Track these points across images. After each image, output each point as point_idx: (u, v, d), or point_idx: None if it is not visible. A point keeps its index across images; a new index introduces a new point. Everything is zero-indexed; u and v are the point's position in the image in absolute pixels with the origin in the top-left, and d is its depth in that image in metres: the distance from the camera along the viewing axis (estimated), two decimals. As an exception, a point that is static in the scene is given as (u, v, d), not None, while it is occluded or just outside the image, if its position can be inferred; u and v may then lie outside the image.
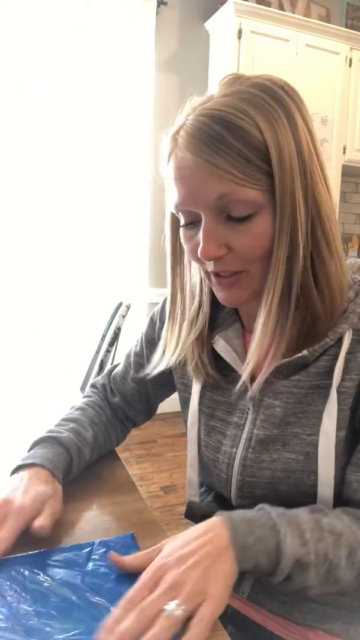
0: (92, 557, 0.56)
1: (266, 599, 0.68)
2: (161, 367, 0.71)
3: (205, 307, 0.69)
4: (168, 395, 0.87)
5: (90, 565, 0.54)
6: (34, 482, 0.61)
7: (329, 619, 0.66)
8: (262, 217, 0.55)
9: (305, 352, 0.59)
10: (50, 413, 0.85)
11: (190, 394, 0.74)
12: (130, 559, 0.52)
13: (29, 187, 2.67)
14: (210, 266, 0.59)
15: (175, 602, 0.43)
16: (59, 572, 0.53)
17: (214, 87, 0.58)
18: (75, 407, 0.84)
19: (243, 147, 0.52)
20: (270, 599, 0.68)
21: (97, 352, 1.98)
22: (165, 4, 2.88)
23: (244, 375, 0.61)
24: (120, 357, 0.91)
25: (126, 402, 0.86)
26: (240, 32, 2.76)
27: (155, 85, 2.87)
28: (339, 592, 0.55)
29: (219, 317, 0.70)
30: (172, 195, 0.58)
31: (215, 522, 0.51)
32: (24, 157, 2.63)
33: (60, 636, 0.45)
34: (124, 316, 1.83)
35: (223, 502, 0.73)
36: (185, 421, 0.75)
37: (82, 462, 0.74)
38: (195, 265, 0.67)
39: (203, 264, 0.60)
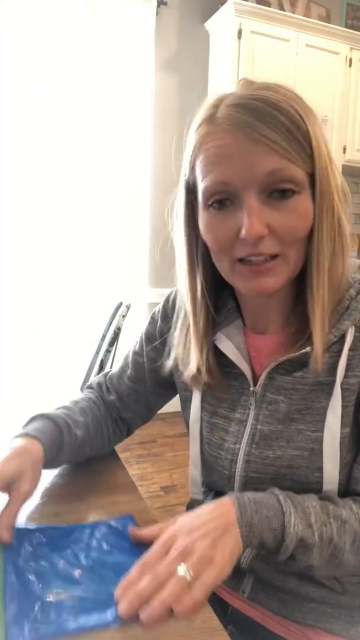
0: (95, 535, 0.60)
1: (266, 598, 0.68)
2: (192, 368, 0.69)
3: (207, 303, 0.68)
4: (168, 397, 0.85)
5: (93, 542, 0.59)
6: (12, 459, 0.62)
7: (329, 618, 0.66)
8: (304, 197, 0.56)
9: (308, 348, 0.59)
10: (27, 417, 0.84)
11: (191, 392, 0.74)
12: (146, 531, 0.57)
13: (29, 187, 2.67)
14: (247, 248, 0.56)
15: (185, 566, 0.47)
16: (64, 546, 0.57)
17: (231, 89, 0.59)
18: (70, 400, 0.83)
19: (292, 127, 0.54)
20: (271, 598, 0.68)
21: (97, 352, 1.99)
22: (165, 4, 2.88)
23: (316, 344, 0.59)
24: (120, 357, 0.90)
25: (121, 401, 0.84)
26: (240, 32, 2.76)
27: (155, 85, 2.87)
28: (348, 573, 0.61)
29: (220, 314, 0.70)
30: (206, 178, 0.56)
31: (225, 501, 0.54)
32: (24, 157, 2.63)
33: (69, 601, 0.49)
34: (124, 316, 1.83)
35: None
36: (186, 420, 0.75)
37: (74, 440, 0.73)
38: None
39: (231, 251, 0.58)
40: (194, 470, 0.73)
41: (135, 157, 2.85)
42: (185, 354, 0.69)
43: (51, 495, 0.71)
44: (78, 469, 0.79)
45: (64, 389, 1.29)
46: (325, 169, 0.57)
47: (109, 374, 0.87)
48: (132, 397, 0.83)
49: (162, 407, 0.87)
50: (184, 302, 0.69)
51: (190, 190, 0.62)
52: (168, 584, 0.46)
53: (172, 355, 0.72)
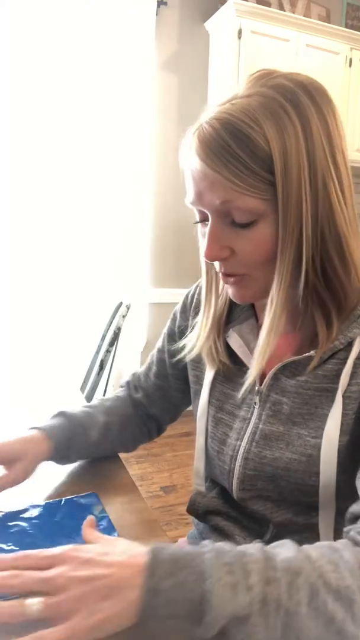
0: (61, 510, 0.66)
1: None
2: (194, 352, 0.72)
3: (225, 296, 0.71)
4: (189, 391, 0.87)
5: (58, 516, 0.64)
6: (18, 439, 0.70)
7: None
8: (264, 224, 0.56)
9: (312, 352, 0.59)
10: (51, 413, 0.85)
11: (201, 385, 0.75)
12: (85, 531, 0.52)
13: (30, 187, 2.67)
14: (216, 265, 0.62)
15: (39, 600, 0.40)
16: (33, 521, 0.63)
17: (242, 82, 0.59)
18: (100, 398, 0.89)
19: (247, 158, 0.53)
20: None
21: (97, 352, 1.98)
22: (165, 4, 2.88)
23: (252, 372, 0.62)
24: (120, 357, 0.93)
25: (148, 398, 0.88)
26: (240, 32, 2.76)
27: (155, 85, 2.87)
28: None
29: (236, 310, 0.72)
30: (187, 195, 0.61)
31: (139, 552, 0.43)
32: (25, 157, 2.63)
33: None
34: (124, 316, 1.83)
35: (227, 498, 0.73)
36: (195, 413, 0.76)
37: (86, 440, 0.78)
38: None
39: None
40: (198, 463, 0.75)
41: (136, 156, 2.85)
42: (204, 331, 0.72)
43: (52, 495, 0.71)
44: (78, 469, 0.79)
45: (64, 388, 1.29)
46: (297, 194, 0.54)
47: (137, 373, 0.92)
48: (158, 393, 0.87)
49: (188, 404, 0.88)
50: (202, 296, 0.72)
51: None
52: (16, 600, 0.41)
53: (194, 334, 0.73)
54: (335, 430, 0.58)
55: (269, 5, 3.01)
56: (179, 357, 0.75)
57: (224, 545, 0.44)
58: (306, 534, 0.62)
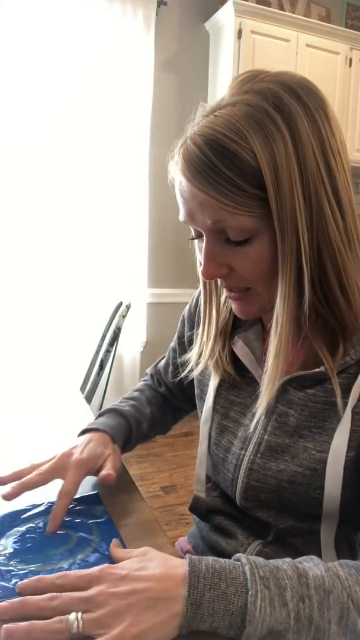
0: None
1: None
2: (200, 367, 0.72)
3: (229, 304, 0.69)
4: None
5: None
6: (93, 444, 0.69)
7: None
8: (260, 241, 0.54)
9: (322, 368, 0.58)
10: (51, 413, 0.85)
11: (204, 391, 0.74)
12: (114, 552, 0.53)
13: (29, 188, 2.67)
14: (218, 280, 0.62)
15: (81, 616, 0.41)
16: (35, 521, 0.63)
17: (227, 87, 0.57)
18: (134, 389, 0.93)
19: (235, 176, 0.50)
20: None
21: (97, 352, 1.99)
22: (165, 4, 2.88)
23: (262, 401, 0.60)
24: (120, 357, 0.95)
25: (170, 392, 0.93)
26: (240, 32, 2.76)
27: (155, 85, 2.87)
28: None
29: (241, 319, 0.70)
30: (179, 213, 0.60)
31: (177, 565, 0.44)
32: (24, 158, 2.63)
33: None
34: (123, 316, 1.83)
35: (229, 499, 0.72)
36: (199, 416, 0.75)
37: (141, 434, 0.82)
38: None
39: None
40: (200, 469, 0.74)
41: (135, 157, 2.85)
42: (206, 347, 0.71)
43: (53, 494, 0.71)
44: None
45: (64, 388, 1.29)
46: (290, 206, 0.51)
47: (158, 367, 0.96)
48: (178, 389, 0.90)
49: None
50: (201, 311, 0.72)
51: None
52: (51, 620, 0.41)
53: (195, 349, 0.73)
54: (343, 445, 0.56)
55: (269, 5, 3.01)
56: (183, 374, 0.75)
57: (256, 559, 0.45)
58: (308, 537, 0.62)
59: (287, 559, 0.47)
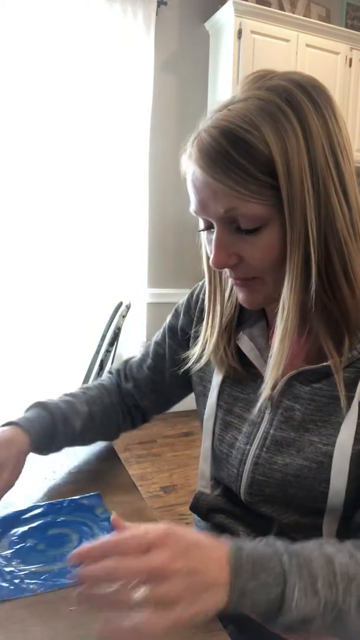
0: (63, 511, 0.66)
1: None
2: (203, 362, 0.72)
3: (234, 299, 0.70)
4: (185, 391, 0.86)
5: (61, 516, 0.65)
6: None
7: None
8: (271, 229, 0.55)
9: (328, 362, 0.58)
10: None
11: (206, 387, 0.74)
12: (130, 527, 0.49)
13: (29, 188, 2.67)
14: (226, 270, 0.61)
15: (144, 588, 0.41)
16: (36, 521, 0.64)
17: (239, 85, 0.58)
18: (81, 387, 0.87)
19: (248, 164, 0.52)
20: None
21: (97, 352, 1.99)
22: (165, 4, 2.88)
23: (267, 383, 0.61)
24: (120, 357, 0.92)
25: (138, 389, 0.87)
26: (240, 32, 2.76)
27: (155, 85, 2.87)
28: (345, 637, 0.48)
29: (246, 313, 0.71)
30: (190, 205, 0.60)
31: (224, 549, 0.46)
32: (24, 158, 2.63)
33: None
34: (124, 316, 1.83)
35: (231, 497, 0.73)
36: (201, 414, 0.75)
37: (70, 431, 0.77)
38: None
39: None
40: (204, 465, 0.74)
41: (135, 157, 2.85)
42: (210, 342, 0.71)
43: (51, 495, 0.71)
44: (78, 469, 0.79)
45: (64, 388, 1.29)
46: (300, 196, 0.53)
47: (130, 362, 0.90)
48: (150, 386, 0.86)
49: (180, 399, 0.88)
50: (206, 305, 0.71)
51: None
52: (121, 590, 0.41)
53: (199, 346, 0.72)
54: (349, 438, 0.57)
55: (269, 5, 3.01)
56: (185, 368, 0.75)
57: (289, 545, 0.48)
58: (310, 533, 0.62)
59: (315, 542, 0.50)
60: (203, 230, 0.62)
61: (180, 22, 3.00)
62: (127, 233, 2.90)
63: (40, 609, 0.50)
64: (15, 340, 2.65)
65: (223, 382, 0.71)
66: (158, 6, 2.84)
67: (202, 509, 0.76)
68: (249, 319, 0.70)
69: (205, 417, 0.73)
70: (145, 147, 2.86)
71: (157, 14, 2.84)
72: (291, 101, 0.53)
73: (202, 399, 0.76)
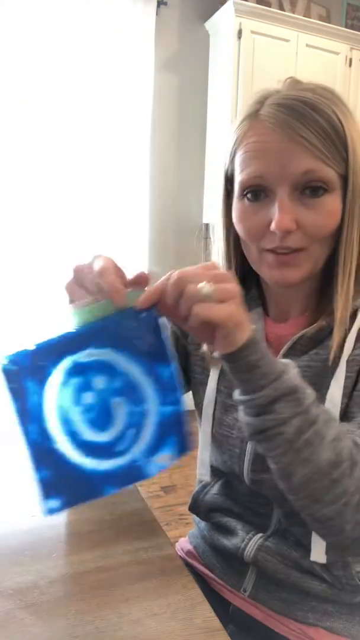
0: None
1: (267, 597, 0.68)
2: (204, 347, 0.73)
3: None
4: (185, 387, 0.84)
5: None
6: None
7: (330, 617, 0.66)
8: (334, 197, 0.58)
9: (323, 322, 0.61)
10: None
11: (206, 375, 0.75)
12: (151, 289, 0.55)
13: (29, 186, 2.67)
14: (275, 241, 0.59)
15: (208, 285, 0.47)
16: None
17: (277, 86, 0.62)
18: None
19: (329, 128, 0.56)
20: (272, 597, 0.68)
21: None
22: (165, 4, 2.88)
23: (335, 334, 0.61)
24: None
25: None
26: (240, 32, 2.76)
27: (155, 85, 2.87)
28: (309, 473, 0.50)
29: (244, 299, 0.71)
30: (244, 171, 0.60)
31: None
32: (24, 156, 2.64)
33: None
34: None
35: (229, 494, 0.73)
36: (198, 403, 0.75)
37: None
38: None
39: (260, 241, 0.61)
40: (204, 452, 0.74)
41: (135, 156, 2.85)
42: None
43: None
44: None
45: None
46: (359, 172, 0.58)
47: None
48: None
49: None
50: None
51: (228, 179, 0.66)
52: (188, 286, 0.47)
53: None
54: (338, 393, 0.60)
55: (269, 5, 3.01)
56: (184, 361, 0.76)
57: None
58: (307, 527, 0.62)
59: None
60: (250, 200, 0.61)
61: (180, 22, 3.00)
62: (127, 233, 2.90)
63: (40, 609, 0.50)
64: (14, 338, 2.65)
65: (222, 368, 0.72)
66: (158, 6, 2.85)
67: (201, 509, 0.76)
68: (247, 305, 0.71)
69: (205, 402, 0.74)
70: (145, 147, 2.86)
71: (157, 14, 2.84)
72: (338, 95, 0.60)
73: (202, 387, 0.76)
